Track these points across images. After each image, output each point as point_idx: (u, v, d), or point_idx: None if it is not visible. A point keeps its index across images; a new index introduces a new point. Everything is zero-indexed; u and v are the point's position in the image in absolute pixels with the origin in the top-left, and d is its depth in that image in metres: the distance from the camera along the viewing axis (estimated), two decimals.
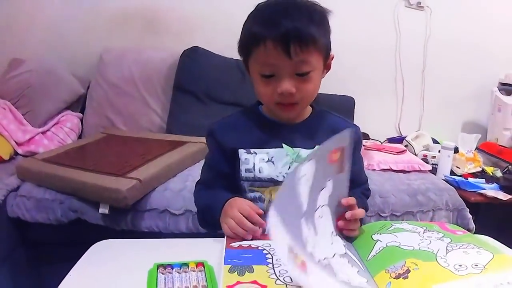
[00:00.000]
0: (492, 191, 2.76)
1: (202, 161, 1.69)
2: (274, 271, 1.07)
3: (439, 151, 3.20)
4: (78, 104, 3.60)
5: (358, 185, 1.66)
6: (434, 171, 3.08)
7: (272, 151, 1.49)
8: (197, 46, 3.52)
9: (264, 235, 1.32)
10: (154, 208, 2.41)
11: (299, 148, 1.49)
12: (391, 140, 3.72)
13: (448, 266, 1.03)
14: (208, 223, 1.59)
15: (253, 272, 1.06)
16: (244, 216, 1.33)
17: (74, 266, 1.17)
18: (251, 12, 1.44)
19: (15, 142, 3.10)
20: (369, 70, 3.80)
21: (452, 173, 3.09)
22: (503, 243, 1.32)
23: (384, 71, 3.86)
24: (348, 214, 1.28)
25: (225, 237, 1.32)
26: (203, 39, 3.60)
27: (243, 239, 1.30)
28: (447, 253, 1.09)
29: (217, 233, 1.42)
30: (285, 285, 1.01)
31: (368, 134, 3.59)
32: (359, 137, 1.65)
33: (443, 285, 0.96)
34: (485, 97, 3.75)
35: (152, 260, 1.15)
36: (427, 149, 3.47)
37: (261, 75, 1.39)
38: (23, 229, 2.55)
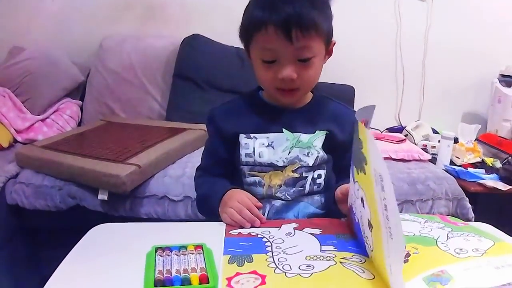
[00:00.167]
0: (491, 181, 2.76)
1: (202, 148, 1.70)
2: (273, 259, 1.07)
3: (439, 141, 3.19)
4: (78, 92, 3.60)
5: None
6: (433, 161, 3.08)
7: (272, 136, 1.49)
8: (197, 34, 3.51)
9: (263, 223, 1.32)
10: (153, 194, 2.41)
11: (299, 133, 1.49)
12: (391, 130, 3.73)
13: (449, 250, 1.02)
14: (206, 212, 1.61)
15: (252, 261, 1.06)
16: (245, 207, 1.35)
17: (72, 249, 1.17)
18: None
19: (15, 129, 3.10)
20: (369, 59, 3.79)
21: (451, 163, 3.09)
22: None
23: (384, 61, 3.85)
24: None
25: (225, 225, 1.33)
26: (203, 27, 3.59)
27: (242, 227, 1.30)
28: (447, 239, 1.09)
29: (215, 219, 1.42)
30: (284, 273, 1.00)
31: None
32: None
33: (443, 267, 0.95)
34: (485, 88, 3.75)
35: (151, 243, 1.15)
36: (427, 139, 3.47)
37: (262, 61, 1.39)
38: (22, 216, 2.56)
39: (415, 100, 3.93)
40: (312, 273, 1.00)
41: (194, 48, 3.45)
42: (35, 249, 2.65)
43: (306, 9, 1.31)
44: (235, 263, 1.06)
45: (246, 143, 1.49)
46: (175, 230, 1.36)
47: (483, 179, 2.80)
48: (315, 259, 1.06)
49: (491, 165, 3.10)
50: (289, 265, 1.03)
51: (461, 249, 1.01)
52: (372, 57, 3.79)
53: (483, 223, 1.39)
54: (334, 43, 1.47)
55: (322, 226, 1.27)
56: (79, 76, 3.51)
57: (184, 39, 3.49)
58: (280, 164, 1.47)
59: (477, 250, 1.01)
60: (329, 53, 1.48)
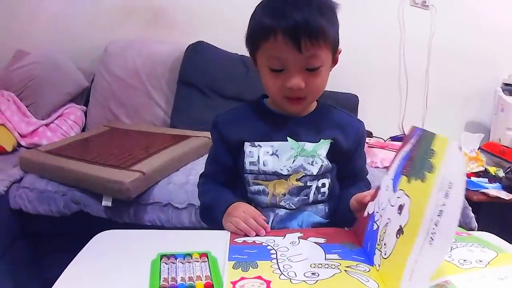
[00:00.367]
0: (494, 190, 2.77)
1: (206, 156, 1.70)
2: (278, 266, 1.07)
3: None
4: (82, 97, 3.61)
5: (362, 179, 1.68)
6: None
7: (276, 144, 1.48)
8: (202, 41, 3.52)
9: (267, 232, 1.32)
10: (157, 201, 2.41)
11: (303, 142, 1.48)
12: (394, 139, 3.71)
13: (453, 260, 1.03)
14: (209, 220, 1.61)
15: (257, 267, 1.06)
16: (250, 217, 1.35)
17: (77, 255, 1.17)
18: (260, 4, 1.43)
19: (19, 133, 3.11)
20: (373, 68, 3.80)
21: None
22: None
23: (388, 69, 3.86)
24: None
25: (230, 233, 1.33)
26: (208, 34, 3.60)
27: (247, 235, 1.30)
28: (451, 250, 1.09)
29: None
30: (289, 279, 1.00)
31: (371, 132, 3.59)
32: (363, 133, 1.65)
33: (447, 277, 0.95)
34: (489, 97, 3.74)
35: (156, 251, 1.15)
36: None
37: (270, 69, 1.38)
38: (25, 220, 2.56)
39: (418, 108, 3.93)
40: (317, 280, 1.00)
41: (199, 54, 3.46)
42: (37, 254, 2.65)
43: (314, 18, 1.31)
44: (240, 268, 1.06)
45: (250, 151, 1.49)
46: (180, 238, 1.36)
47: (486, 188, 2.80)
48: (320, 267, 1.06)
49: (494, 174, 3.10)
50: (294, 272, 1.03)
51: (464, 260, 1.02)
52: (375, 65, 3.80)
53: (486, 233, 1.38)
54: (340, 51, 1.47)
55: (326, 235, 1.27)
56: (84, 81, 3.52)
57: (188, 45, 3.50)
58: (285, 172, 1.47)
59: (481, 261, 1.02)
60: (335, 61, 1.47)
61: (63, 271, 1.09)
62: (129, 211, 2.40)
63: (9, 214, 2.50)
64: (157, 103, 3.52)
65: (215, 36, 3.59)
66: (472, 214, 2.59)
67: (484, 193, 2.74)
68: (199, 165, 2.25)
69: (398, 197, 1.06)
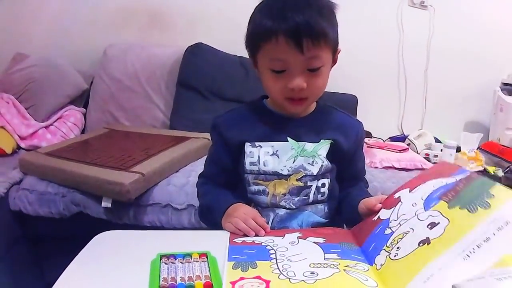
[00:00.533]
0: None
1: (205, 157, 1.70)
2: (278, 266, 1.07)
3: (441, 150, 3.20)
4: (82, 99, 3.61)
5: (361, 180, 1.70)
6: None
7: (277, 144, 1.49)
8: (201, 43, 3.53)
9: (267, 232, 1.33)
10: (156, 202, 2.42)
11: (304, 142, 1.49)
12: (393, 139, 3.72)
13: None
14: (208, 221, 1.61)
15: (256, 267, 1.07)
16: (250, 217, 1.35)
17: (77, 256, 1.17)
18: (258, 5, 1.44)
19: (18, 136, 3.11)
20: (372, 68, 3.80)
21: None
22: None
23: (387, 69, 3.87)
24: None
25: (229, 233, 1.33)
26: (207, 36, 3.61)
27: (246, 235, 1.30)
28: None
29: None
30: (288, 279, 1.00)
31: (370, 133, 3.59)
32: (362, 133, 1.66)
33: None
34: (488, 96, 3.75)
35: (155, 251, 1.16)
36: (429, 148, 3.46)
37: (271, 70, 1.39)
38: (25, 222, 2.56)
39: (417, 109, 3.93)
40: (316, 280, 1.00)
41: (198, 57, 3.47)
42: (37, 256, 2.65)
43: (315, 18, 1.32)
44: (239, 268, 1.06)
45: (251, 152, 1.49)
46: (180, 238, 1.36)
47: None
48: (319, 267, 1.06)
49: (493, 173, 3.09)
50: (293, 272, 1.04)
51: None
52: (374, 66, 3.81)
53: None
54: (339, 51, 1.48)
55: (325, 235, 1.27)
56: (83, 84, 3.52)
57: (187, 48, 3.50)
58: (285, 172, 1.47)
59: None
60: (334, 61, 1.48)
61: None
62: (129, 213, 2.41)
63: (9, 216, 2.51)
64: (157, 106, 3.53)
65: (214, 38, 3.60)
66: None
67: None
68: (198, 167, 2.26)
69: (432, 216, 1.09)
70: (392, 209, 1.24)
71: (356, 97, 3.63)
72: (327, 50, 1.38)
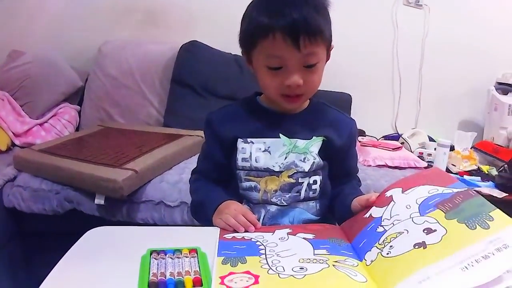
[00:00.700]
0: (487, 188, 2.76)
1: (198, 154, 1.70)
2: (267, 261, 1.08)
3: (435, 149, 3.20)
4: (76, 97, 3.61)
5: (354, 177, 1.70)
6: (430, 168, 3.08)
7: (269, 141, 1.49)
8: (195, 40, 3.53)
9: (257, 229, 1.33)
10: (149, 199, 2.43)
11: (296, 139, 1.49)
12: (387, 138, 3.72)
13: None
14: (200, 218, 1.61)
15: (245, 262, 1.07)
16: (240, 213, 1.36)
17: (68, 252, 1.18)
18: (252, 2, 1.44)
19: (13, 133, 3.12)
20: (366, 67, 3.80)
21: (447, 170, 3.09)
22: None
23: (381, 68, 3.87)
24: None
25: (219, 229, 1.33)
26: (201, 33, 3.62)
27: (236, 231, 1.31)
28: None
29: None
30: (277, 274, 1.01)
31: (364, 131, 3.60)
32: (355, 131, 1.67)
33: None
34: (482, 96, 3.75)
35: (146, 246, 1.16)
36: (423, 147, 3.47)
37: (268, 67, 1.39)
38: (19, 219, 2.57)
39: (411, 107, 3.94)
40: (305, 275, 1.00)
41: (192, 54, 3.47)
42: (32, 253, 2.65)
43: (311, 16, 1.32)
44: (229, 263, 1.06)
45: (243, 148, 1.49)
46: (170, 234, 1.36)
47: (479, 186, 2.80)
48: (308, 262, 1.07)
49: (487, 172, 3.10)
50: (282, 267, 1.04)
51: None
52: (369, 65, 3.81)
53: None
54: (332, 47, 1.47)
55: (315, 231, 1.28)
56: (78, 81, 3.53)
57: (182, 45, 3.51)
58: (276, 169, 1.47)
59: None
60: (328, 57, 1.48)
61: None
62: (122, 209, 2.42)
63: (3, 213, 2.52)
64: (151, 103, 3.53)
65: (208, 36, 3.60)
66: None
67: (476, 191, 2.73)
68: (192, 164, 2.25)
69: (428, 222, 1.10)
70: (385, 207, 1.24)
71: (350, 96, 3.64)
72: (322, 46, 1.39)
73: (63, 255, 1.16)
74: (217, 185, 1.61)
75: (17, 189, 2.52)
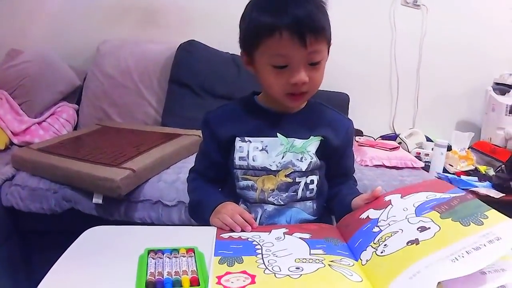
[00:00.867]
0: (484, 189, 2.77)
1: (196, 154, 1.71)
2: (263, 261, 1.08)
3: (432, 149, 3.21)
4: (75, 96, 3.61)
5: (351, 178, 1.71)
6: (427, 168, 3.09)
7: (266, 140, 1.49)
8: (193, 40, 3.53)
9: (253, 228, 1.33)
10: (147, 199, 2.43)
11: (293, 138, 1.50)
12: (384, 138, 3.73)
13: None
14: (197, 217, 1.61)
15: (242, 262, 1.08)
16: (237, 213, 1.37)
17: (66, 251, 1.18)
18: (252, 2, 1.43)
19: (11, 132, 3.12)
20: (364, 67, 3.81)
21: (445, 171, 3.10)
22: None
23: (379, 68, 3.88)
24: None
25: (216, 229, 1.34)
26: (200, 33, 3.61)
27: (233, 231, 1.31)
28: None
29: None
30: (273, 274, 1.01)
31: (361, 131, 3.60)
32: (352, 131, 1.67)
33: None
34: (480, 96, 3.77)
35: (143, 246, 1.16)
36: (421, 147, 3.48)
37: (273, 66, 1.38)
38: (17, 218, 2.57)
39: (409, 107, 3.95)
40: (301, 274, 1.01)
41: (190, 54, 3.47)
42: (30, 252, 2.65)
43: (315, 13, 1.33)
44: (226, 263, 1.07)
45: (240, 146, 1.49)
46: (168, 234, 1.37)
47: (476, 186, 2.81)
48: (304, 262, 1.07)
49: (484, 173, 3.11)
50: (279, 267, 1.05)
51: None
52: (367, 65, 3.82)
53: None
54: (331, 45, 1.47)
55: (311, 231, 1.28)
56: (76, 80, 3.53)
57: (180, 44, 3.51)
58: (274, 168, 1.48)
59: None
60: (328, 55, 1.48)
61: None
62: (120, 209, 2.42)
63: (1, 211, 2.51)
64: (149, 102, 3.53)
65: (206, 35, 3.60)
66: None
67: (474, 192, 2.74)
68: (189, 163, 2.24)
69: (423, 221, 1.11)
70: (382, 210, 1.25)
71: (348, 96, 3.64)
72: (325, 44, 1.39)
73: (62, 254, 1.16)
74: (214, 184, 1.63)
75: (15, 188, 2.51)
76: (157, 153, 2.61)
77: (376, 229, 1.18)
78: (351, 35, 3.54)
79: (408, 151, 3.37)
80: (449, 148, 3.20)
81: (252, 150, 1.49)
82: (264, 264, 1.06)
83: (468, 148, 3.35)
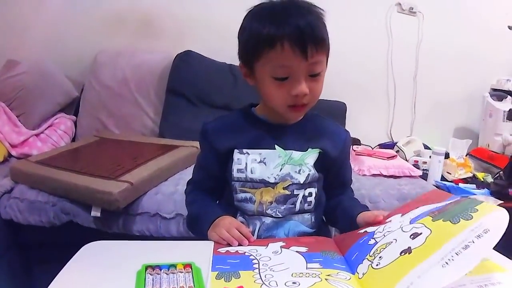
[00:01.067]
0: (482, 196, 2.77)
1: (194, 165, 1.71)
2: (260, 276, 1.08)
3: (430, 157, 3.21)
4: (72, 107, 3.62)
5: (348, 188, 1.71)
6: (425, 176, 3.09)
7: (264, 152, 1.49)
8: (190, 50, 3.54)
9: (251, 242, 1.34)
10: (145, 211, 2.43)
11: (291, 150, 1.49)
12: (382, 146, 3.73)
13: None
14: (195, 231, 1.62)
15: (239, 277, 1.08)
16: (234, 227, 1.37)
17: (64, 267, 1.18)
18: (250, 13, 1.43)
19: (9, 144, 3.12)
20: (361, 75, 3.82)
21: (443, 178, 3.10)
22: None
23: (376, 76, 3.89)
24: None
25: (213, 243, 1.34)
26: (196, 43, 3.62)
27: (230, 245, 1.31)
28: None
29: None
30: None
31: (359, 140, 3.60)
32: (349, 142, 1.67)
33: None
34: (477, 102, 3.79)
35: (141, 261, 1.16)
36: (418, 155, 3.48)
37: (274, 78, 1.37)
38: (16, 231, 2.56)
39: (406, 115, 3.96)
40: None
41: (187, 64, 3.48)
42: (29, 264, 2.65)
43: (316, 24, 1.33)
44: (223, 278, 1.07)
45: (238, 159, 1.49)
46: (165, 249, 1.36)
47: (474, 194, 2.81)
48: (301, 276, 1.07)
49: (482, 180, 3.11)
50: (275, 282, 1.05)
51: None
52: (363, 73, 3.83)
53: None
54: (329, 55, 1.47)
55: (308, 244, 1.29)
56: (73, 91, 3.53)
57: (177, 55, 3.51)
58: (272, 180, 1.47)
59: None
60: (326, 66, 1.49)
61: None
62: (118, 221, 2.42)
63: (0, 224, 2.51)
64: (146, 113, 3.54)
65: (203, 45, 3.61)
66: None
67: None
68: (187, 175, 2.25)
69: (415, 227, 1.12)
70: (379, 226, 1.26)
71: (345, 104, 3.65)
72: (325, 55, 1.39)
73: (60, 267, 1.16)
74: (212, 196, 1.63)
75: (14, 201, 2.52)
76: (155, 165, 2.61)
77: (372, 241, 1.18)
78: (347, 43, 3.54)
79: (406, 159, 3.37)
80: (447, 156, 3.20)
81: (250, 162, 1.49)
82: (261, 279, 1.06)
83: (466, 155, 3.35)
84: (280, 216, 1.50)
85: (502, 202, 2.68)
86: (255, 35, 1.37)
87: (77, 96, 3.58)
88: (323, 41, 1.35)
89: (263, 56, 1.36)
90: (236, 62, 1.52)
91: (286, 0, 1.38)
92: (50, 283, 1.08)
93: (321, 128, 1.60)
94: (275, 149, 1.49)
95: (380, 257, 1.09)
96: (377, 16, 3.80)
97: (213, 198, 1.64)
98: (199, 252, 1.26)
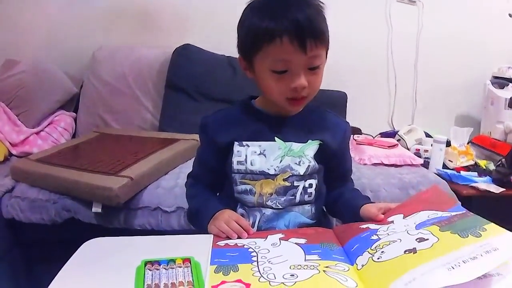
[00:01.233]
0: (484, 184, 2.77)
1: (194, 158, 1.71)
2: (259, 268, 1.09)
3: (431, 145, 3.20)
4: (72, 104, 3.61)
5: (348, 180, 1.72)
6: (426, 165, 3.09)
7: (264, 144, 1.49)
8: (189, 44, 3.53)
9: (250, 234, 1.34)
10: (146, 206, 2.43)
11: (291, 142, 1.49)
12: (383, 135, 3.73)
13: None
14: (195, 224, 1.62)
15: (237, 271, 1.08)
16: (233, 219, 1.37)
17: (65, 264, 1.18)
18: (249, 6, 1.43)
19: (10, 143, 3.12)
20: (361, 64, 3.82)
21: (444, 166, 3.10)
22: None
23: (376, 65, 3.88)
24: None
25: (213, 237, 1.34)
26: (195, 37, 3.61)
27: (229, 238, 1.32)
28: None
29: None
30: (268, 282, 1.02)
31: (360, 129, 3.59)
32: (349, 133, 1.67)
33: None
34: (478, 90, 3.77)
35: (141, 257, 1.16)
36: (420, 143, 3.47)
37: (273, 71, 1.37)
38: (18, 229, 2.56)
39: (407, 104, 3.95)
40: (295, 282, 1.01)
41: (186, 57, 3.47)
42: (31, 263, 2.65)
43: (315, 18, 1.33)
44: (221, 272, 1.07)
45: (238, 151, 1.49)
46: (165, 243, 1.36)
47: (476, 182, 2.80)
48: (299, 268, 1.07)
49: (484, 167, 3.10)
50: (274, 274, 1.05)
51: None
52: (363, 62, 3.82)
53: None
54: (328, 48, 1.47)
55: (307, 236, 1.29)
56: (73, 88, 3.53)
57: (175, 49, 3.51)
58: (272, 172, 1.47)
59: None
60: (326, 58, 1.48)
61: None
62: (119, 217, 2.42)
63: (2, 223, 2.51)
64: (146, 107, 3.53)
65: (202, 39, 3.60)
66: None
67: (473, 187, 2.74)
68: (187, 168, 2.24)
69: (422, 233, 1.12)
70: (383, 225, 1.27)
71: (346, 94, 3.64)
72: (324, 48, 1.39)
73: (63, 264, 1.17)
74: (212, 189, 1.64)
75: (15, 200, 2.52)
76: (155, 160, 2.61)
77: (374, 237, 1.19)
78: (347, 32, 3.53)
79: (408, 148, 3.36)
80: (448, 144, 3.20)
81: (250, 154, 1.49)
82: (259, 272, 1.06)
83: (468, 143, 3.35)
84: (280, 207, 1.50)
85: (504, 189, 2.69)
86: (254, 29, 1.36)
87: (76, 92, 3.57)
88: (322, 35, 1.35)
89: (262, 50, 1.36)
90: (235, 54, 1.52)
91: None
92: (51, 281, 1.09)
93: (321, 120, 1.59)
94: (275, 141, 1.49)
95: (382, 252, 1.10)
96: (376, 6, 3.79)
97: (213, 192, 1.64)
98: (199, 246, 1.26)
